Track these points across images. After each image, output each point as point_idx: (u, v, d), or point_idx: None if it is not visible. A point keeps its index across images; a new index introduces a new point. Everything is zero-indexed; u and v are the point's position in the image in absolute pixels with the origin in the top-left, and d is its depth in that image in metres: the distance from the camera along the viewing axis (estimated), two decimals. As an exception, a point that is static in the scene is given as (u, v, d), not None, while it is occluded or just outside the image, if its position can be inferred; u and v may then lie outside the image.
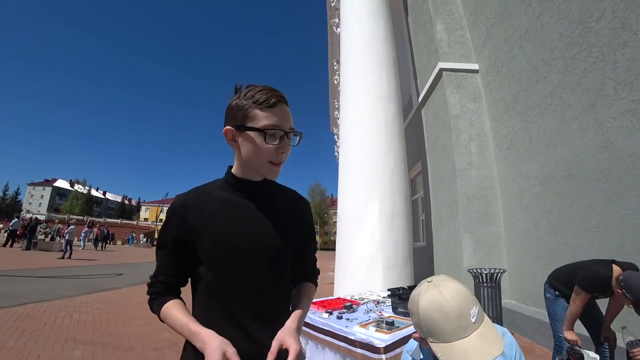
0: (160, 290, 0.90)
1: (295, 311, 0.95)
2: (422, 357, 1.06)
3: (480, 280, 4.06)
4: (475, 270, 4.16)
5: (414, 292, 0.92)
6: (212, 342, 0.74)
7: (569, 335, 2.48)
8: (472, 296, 0.86)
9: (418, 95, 7.51)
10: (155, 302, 0.89)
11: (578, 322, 2.59)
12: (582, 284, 2.39)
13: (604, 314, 2.58)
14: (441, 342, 0.82)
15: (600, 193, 3.35)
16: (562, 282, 2.65)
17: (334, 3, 10.78)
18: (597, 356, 1.08)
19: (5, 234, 17.74)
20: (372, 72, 5.79)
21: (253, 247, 0.87)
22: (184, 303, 0.90)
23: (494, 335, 0.83)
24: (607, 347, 2.51)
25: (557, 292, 2.67)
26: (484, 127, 5.62)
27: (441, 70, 5.95)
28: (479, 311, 0.84)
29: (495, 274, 4.04)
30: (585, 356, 1.09)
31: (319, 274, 1.17)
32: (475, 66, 5.86)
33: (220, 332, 0.78)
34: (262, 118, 0.82)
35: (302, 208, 1.05)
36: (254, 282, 0.86)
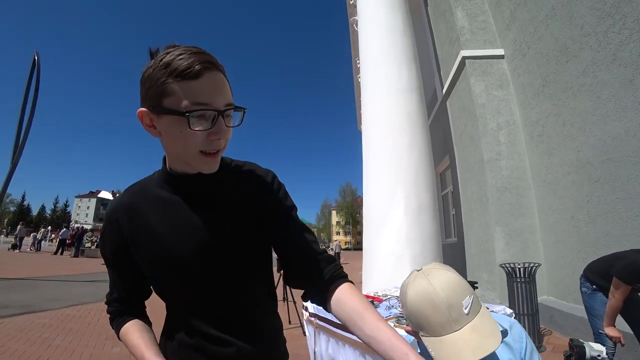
0: (117, 310, 0.80)
1: (383, 331, 0.66)
2: (419, 350, 1.00)
3: (514, 276, 3.85)
4: (508, 265, 3.94)
5: (404, 282, 0.86)
6: None
7: (610, 331, 2.28)
8: (465, 285, 0.79)
9: (442, 87, 7.27)
10: (114, 323, 0.80)
11: (620, 319, 2.38)
12: (620, 275, 2.20)
13: None
14: (431, 336, 0.77)
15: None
16: (599, 274, 2.45)
17: (352, 1, 10.71)
18: (603, 348, 0.97)
19: (56, 243, 19.08)
20: (391, 65, 5.65)
21: (199, 254, 0.71)
22: (145, 322, 0.81)
23: (490, 328, 0.76)
24: None
25: (594, 286, 2.49)
26: (512, 115, 5.33)
27: (464, 58, 5.72)
28: (473, 302, 0.77)
29: (530, 269, 3.80)
30: (587, 348, 0.98)
31: (339, 267, 0.81)
32: (501, 51, 5.57)
33: (186, 352, 0.73)
34: (182, 95, 0.60)
35: (261, 186, 0.80)
36: (210, 294, 0.72)
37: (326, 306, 0.76)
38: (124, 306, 0.80)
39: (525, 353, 0.94)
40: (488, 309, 0.85)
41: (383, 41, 5.83)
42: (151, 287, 0.80)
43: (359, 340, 2.10)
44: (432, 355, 0.75)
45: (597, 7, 3.50)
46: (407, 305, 0.81)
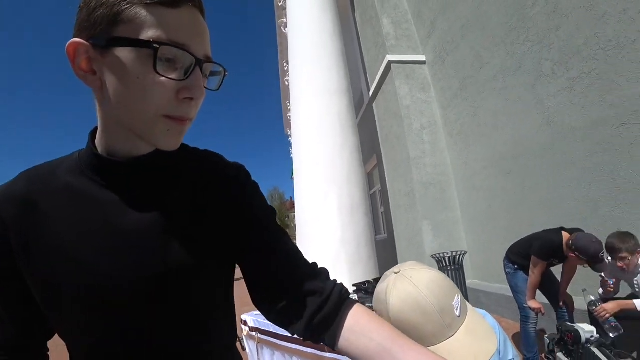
0: None
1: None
2: None
3: (444, 264, 4.15)
4: (438, 255, 4.24)
5: (379, 287, 0.73)
6: None
7: (532, 304, 2.57)
8: (451, 283, 0.70)
9: (369, 90, 7.60)
10: None
11: (539, 293, 2.69)
12: (538, 254, 2.51)
13: (559, 281, 2.71)
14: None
15: (547, 168, 3.55)
16: (519, 255, 2.75)
17: (281, 3, 10.65)
18: (593, 328, 1.02)
19: None
20: (321, 67, 5.72)
21: (130, 279, 0.48)
22: None
23: (483, 327, 0.68)
24: (565, 311, 2.63)
25: (515, 266, 2.78)
26: (434, 116, 5.80)
27: (390, 62, 6.05)
28: (461, 300, 0.69)
29: (458, 257, 4.14)
30: (580, 332, 1.02)
31: (340, 285, 0.58)
32: (422, 57, 6.04)
33: None
34: (150, 24, 0.41)
35: (230, 184, 0.58)
36: (138, 339, 0.49)
37: (335, 342, 0.51)
38: (11, 356, 0.52)
39: (500, 344, 0.93)
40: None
41: (314, 43, 5.86)
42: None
43: (308, 351, 1.96)
44: None
45: (505, 22, 3.99)
46: (390, 315, 0.68)
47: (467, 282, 4.30)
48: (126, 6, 0.41)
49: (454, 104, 5.28)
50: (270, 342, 2.29)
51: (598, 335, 1.00)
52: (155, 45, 0.41)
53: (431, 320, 0.64)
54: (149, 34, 0.41)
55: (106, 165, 0.50)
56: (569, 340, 1.06)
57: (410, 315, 0.65)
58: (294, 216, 6.15)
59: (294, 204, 6.22)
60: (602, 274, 2.45)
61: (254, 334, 2.45)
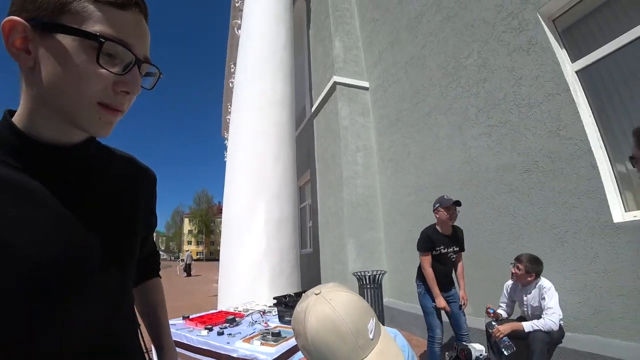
0: None
1: (163, 329, 0.84)
2: None
3: (364, 282, 4.31)
4: (359, 273, 4.40)
5: (299, 307, 0.76)
6: None
7: (439, 303, 2.75)
8: (367, 307, 0.75)
9: (312, 105, 7.77)
10: None
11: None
12: (419, 248, 2.92)
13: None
14: None
15: (463, 200, 3.96)
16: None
17: (238, 4, 10.43)
18: (483, 347, 1.19)
19: None
20: (268, 76, 5.72)
21: (69, 265, 0.50)
22: None
23: (393, 350, 0.74)
24: (466, 333, 2.84)
25: (425, 286, 2.98)
26: (370, 140, 6.14)
27: (335, 83, 6.29)
28: (376, 324, 0.73)
29: (377, 276, 4.34)
30: (472, 350, 1.18)
31: (159, 265, 0.94)
32: (366, 84, 6.41)
33: None
34: (97, 19, 0.45)
35: (150, 185, 0.73)
36: (72, 320, 0.50)
37: (136, 286, 0.84)
38: None
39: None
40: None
41: (264, 52, 5.85)
42: None
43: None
44: None
45: (442, 66, 4.45)
46: (306, 335, 0.71)
47: (384, 300, 4.51)
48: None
49: (389, 132, 5.66)
50: (182, 354, 2.18)
51: (486, 354, 1.15)
52: (101, 40, 0.44)
53: (346, 341, 0.67)
54: (95, 27, 0.45)
55: (31, 148, 0.49)
56: (462, 357, 1.20)
57: (327, 336, 0.67)
58: (220, 222, 5.88)
59: (221, 209, 5.97)
60: (489, 307, 2.82)
61: None
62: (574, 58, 2.91)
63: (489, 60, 3.70)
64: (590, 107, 2.76)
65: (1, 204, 0.46)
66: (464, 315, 2.91)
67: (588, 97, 2.79)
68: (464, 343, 1.23)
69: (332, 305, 0.69)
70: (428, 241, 2.87)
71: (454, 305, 2.88)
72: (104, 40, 0.44)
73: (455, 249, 2.94)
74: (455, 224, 2.94)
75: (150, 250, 0.86)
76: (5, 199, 0.46)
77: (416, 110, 4.97)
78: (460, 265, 3.02)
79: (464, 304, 2.89)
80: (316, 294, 0.73)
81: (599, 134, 2.68)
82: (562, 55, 2.96)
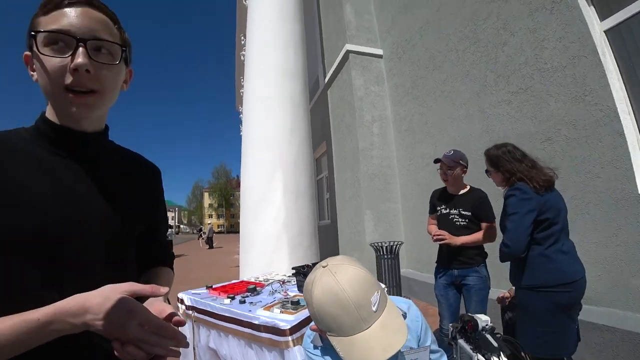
0: None
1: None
2: (322, 344, 0.99)
3: (381, 253, 4.40)
4: (376, 244, 4.48)
5: (308, 278, 0.81)
6: (95, 296, 0.51)
7: (429, 229, 2.62)
8: (372, 280, 0.79)
9: (325, 76, 7.59)
10: None
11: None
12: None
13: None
14: (340, 336, 0.75)
15: (481, 171, 3.90)
16: None
17: (242, -29, 10.02)
18: (488, 318, 1.22)
19: None
20: (279, 47, 5.55)
21: (80, 231, 0.60)
22: None
23: (396, 322, 0.78)
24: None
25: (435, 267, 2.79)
26: (385, 110, 6.01)
27: (348, 52, 6.08)
28: (380, 297, 0.78)
29: (394, 246, 4.42)
30: (478, 321, 1.22)
31: (173, 258, 0.95)
32: (380, 51, 6.17)
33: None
34: (44, 24, 0.59)
35: (152, 179, 0.83)
36: (80, 282, 0.56)
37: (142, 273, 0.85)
38: None
39: (420, 331, 1.04)
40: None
41: (274, 23, 5.66)
42: None
43: (245, 330, 2.01)
44: (341, 356, 0.74)
45: (459, 30, 4.22)
46: (313, 305, 0.77)
47: (402, 270, 4.62)
48: (34, 18, 0.59)
49: (405, 101, 5.52)
50: (206, 320, 2.28)
51: (492, 325, 1.21)
52: (32, 33, 0.58)
53: (348, 313, 0.72)
54: (38, 29, 0.58)
55: (58, 133, 0.63)
56: (469, 328, 1.25)
57: (330, 307, 0.73)
58: (239, 195, 6.04)
59: (239, 183, 6.10)
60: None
61: (190, 312, 2.41)
62: (602, 16, 2.69)
63: (508, 21, 3.48)
64: (620, 70, 2.59)
65: (23, 171, 0.58)
66: (482, 303, 2.30)
67: (617, 59, 2.61)
68: (469, 314, 1.27)
69: (336, 278, 0.74)
70: (430, 199, 2.68)
71: (468, 289, 2.36)
72: (34, 34, 0.57)
73: (463, 212, 2.41)
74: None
75: (160, 244, 0.89)
76: (26, 168, 0.58)
77: (432, 78, 4.79)
78: (476, 235, 2.35)
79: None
80: (323, 267, 0.79)
81: (627, 100, 2.52)
82: (589, 13, 2.75)
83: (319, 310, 0.75)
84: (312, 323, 0.96)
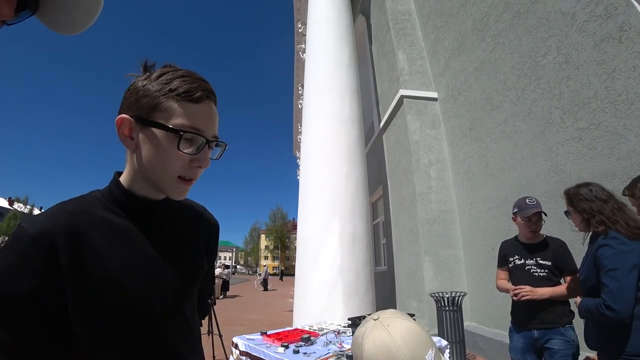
0: None
1: None
2: None
3: (442, 304, 4.03)
4: (437, 294, 4.13)
5: (358, 332, 0.77)
6: None
7: (506, 288, 2.28)
8: (427, 336, 0.73)
9: (380, 121, 7.71)
10: None
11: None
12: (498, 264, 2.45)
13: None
14: None
15: (552, 215, 3.49)
16: None
17: (301, 29, 11.08)
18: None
19: None
20: (335, 95, 5.86)
21: (155, 294, 0.64)
22: None
23: None
24: None
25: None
26: (442, 153, 5.82)
27: (402, 97, 6.16)
28: (435, 354, 0.71)
29: (457, 298, 4.02)
30: None
31: (207, 315, 1.03)
32: (435, 94, 6.14)
33: None
34: (178, 114, 0.60)
35: (212, 233, 0.85)
36: (159, 346, 0.65)
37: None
38: None
39: None
40: None
41: (330, 72, 6.03)
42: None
43: None
44: None
45: (517, 68, 4.06)
46: (363, 359, 0.72)
47: (465, 324, 4.15)
48: (164, 100, 0.60)
49: (462, 143, 5.31)
50: None
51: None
52: (181, 133, 0.59)
53: None
54: (176, 121, 0.60)
55: (132, 202, 0.66)
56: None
57: None
58: (295, 237, 6.13)
59: (295, 225, 6.21)
60: None
61: (244, 358, 2.40)
62: (682, 41, 2.42)
63: (571, 55, 3.28)
64: None
65: (107, 241, 0.61)
66: None
67: None
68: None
69: (389, 331, 0.70)
70: (500, 251, 2.41)
71: (551, 354, 2.00)
72: (182, 133, 0.60)
73: (541, 262, 2.14)
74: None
75: (201, 295, 0.88)
76: (109, 238, 0.62)
77: (491, 118, 4.59)
78: (560, 287, 2.07)
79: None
80: (374, 320, 0.74)
81: None
82: (665, 39, 2.49)
83: None
84: None
